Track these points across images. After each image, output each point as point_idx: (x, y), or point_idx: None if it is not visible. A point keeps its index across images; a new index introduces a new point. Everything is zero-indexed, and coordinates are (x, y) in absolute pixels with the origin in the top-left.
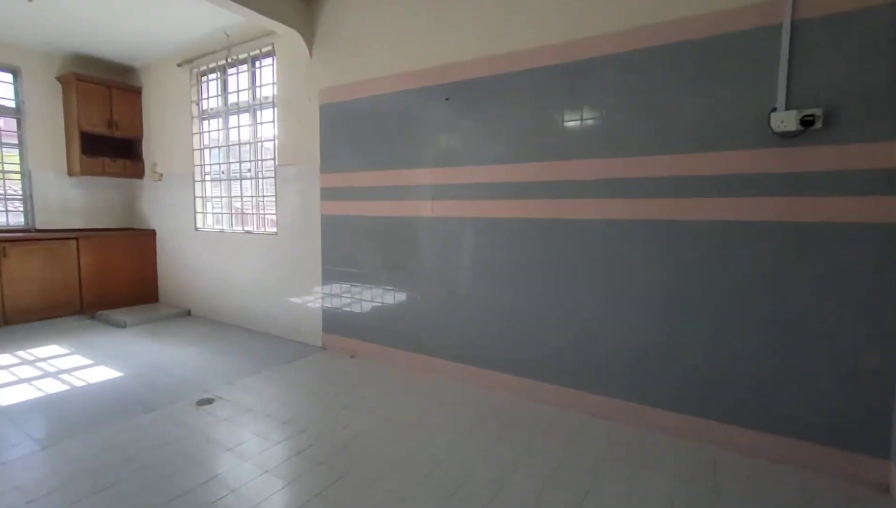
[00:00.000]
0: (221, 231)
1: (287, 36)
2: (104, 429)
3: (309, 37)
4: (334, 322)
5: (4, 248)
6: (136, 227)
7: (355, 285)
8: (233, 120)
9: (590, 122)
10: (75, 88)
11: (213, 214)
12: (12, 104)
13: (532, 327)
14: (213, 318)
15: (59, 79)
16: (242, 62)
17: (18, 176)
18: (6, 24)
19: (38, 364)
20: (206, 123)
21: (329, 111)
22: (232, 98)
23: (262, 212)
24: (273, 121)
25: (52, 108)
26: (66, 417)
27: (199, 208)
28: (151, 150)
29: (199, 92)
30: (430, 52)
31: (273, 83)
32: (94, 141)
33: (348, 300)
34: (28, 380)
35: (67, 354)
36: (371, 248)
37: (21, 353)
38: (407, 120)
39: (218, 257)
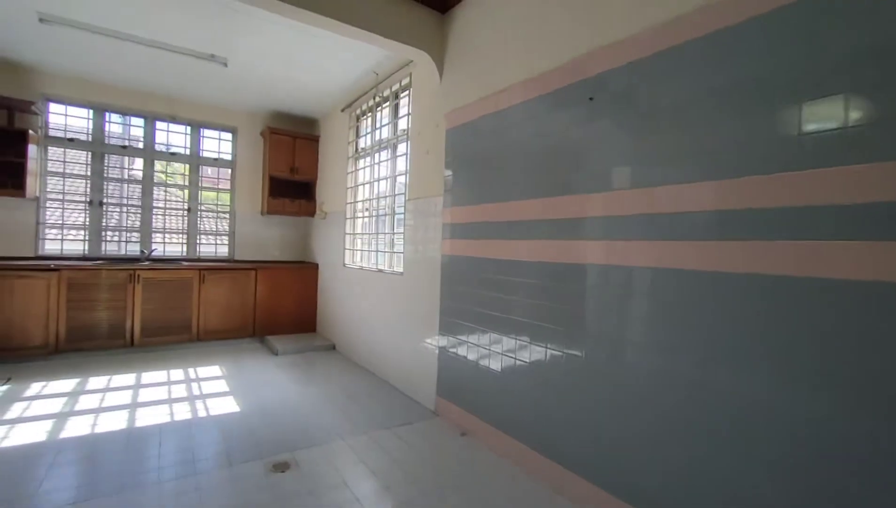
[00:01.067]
0: (361, 268)
1: (422, 63)
2: (161, 487)
3: (439, 59)
4: (449, 385)
5: (203, 275)
6: (306, 260)
7: (475, 344)
8: (378, 157)
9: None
10: (269, 140)
11: (357, 250)
12: (229, 157)
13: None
14: (349, 356)
15: (261, 134)
16: (386, 99)
17: (228, 215)
18: (229, 95)
19: (192, 385)
20: (358, 162)
21: (454, 136)
22: (378, 134)
23: (392, 250)
24: (406, 154)
25: (253, 158)
26: (145, 460)
27: (347, 245)
28: (321, 190)
29: (356, 132)
30: (565, 44)
31: (408, 115)
32: (278, 184)
33: (466, 362)
34: (170, 401)
35: (217, 377)
36: (495, 299)
37: (190, 370)
38: (544, 133)
39: (356, 295)
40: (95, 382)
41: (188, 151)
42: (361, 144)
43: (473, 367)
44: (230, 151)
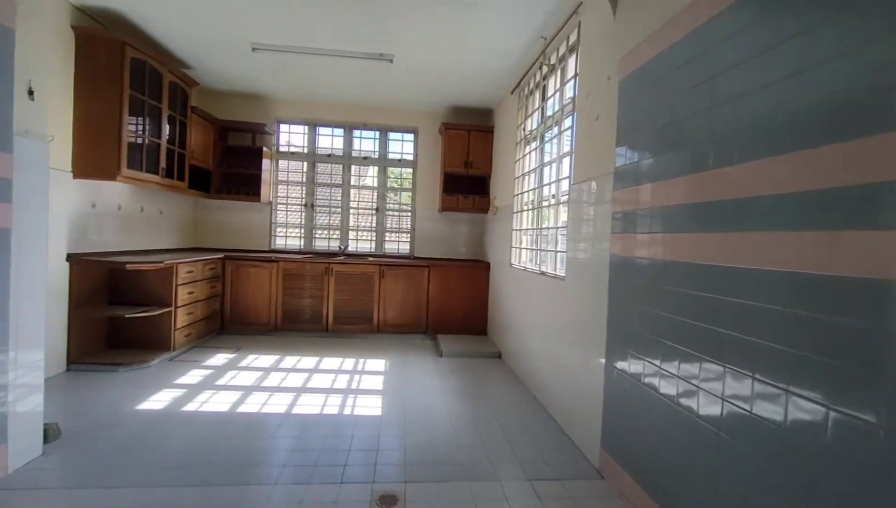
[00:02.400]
0: (525, 269)
1: (592, 4)
2: (272, 490)
3: None
4: (617, 437)
5: (383, 270)
6: (479, 259)
7: (658, 381)
8: (544, 138)
9: None
10: (445, 136)
11: (521, 249)
12: (411, 157)
13: None
14: (513, 368)
15: (438, 131)
16: (553, 69)
17: (409, 213)
18: (407, 96)
19: (354, 377)
20: (525, 147)
21: (631, 85)
22: (544, 111)
23: (556, 249)
24: (571, 127)
25: (432, 156)
26: (274, 453)
27: (513, 242)
28: (494, 184)
29: (524, 113)
30: None
31: (575, 76)
32: (453, 180)
33: (641, 407)
34: (329, 391)
35: (378, 373)
36: (693, 328)
37: (360, 361)
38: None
39: (520, 299)
40: (288, 361)
41: (377, 155)
42: (528, 125)
43: (652, 417)
44: (412, 151)
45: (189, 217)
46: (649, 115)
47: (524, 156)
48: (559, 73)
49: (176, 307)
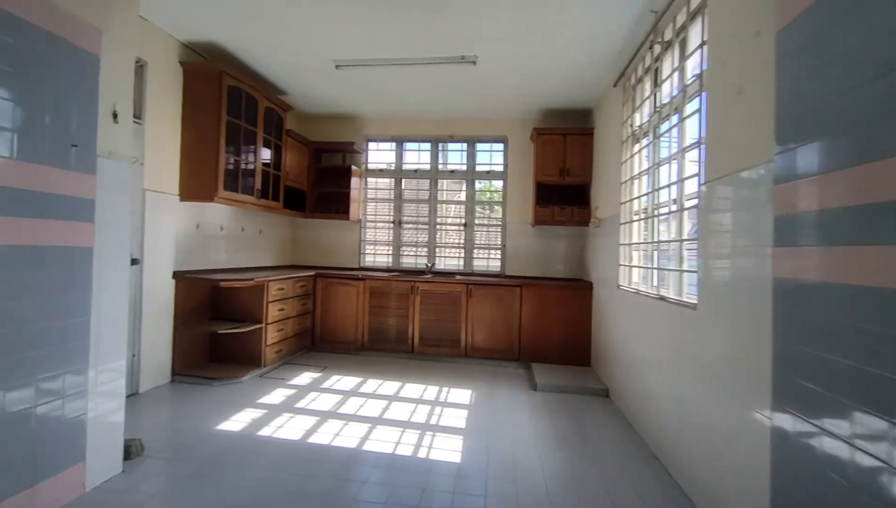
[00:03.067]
0: (637, 292)
1: None
2: None
3: None
4: None
5: (470, 289)
6: (580, 278)
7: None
8: (658, 131)
9: None
10: (537, 143)
11: (632, 267)
12: (501, 168)
13: None
14: (625, 412)
15: (530, 138)
16: (668, 45)
17: (499, 228)
18: (497, 102)
19: (434, 410)
20: (633, 145)
21: (797, 34)
22: (658, 99)
23: (681, 268)
24: (699, 110)
25: (523, 165)
26: (333, 499)
27: (621, 259)
28: (596, 193)
29: (631, 106)
30: None
31: (702, 45)
32: (547, 191)
33: (845, 495)
34: (406, 425)
35: (461, 406)
36: None
37: (443, 390)
38: None
39: (632, 327)
40: (370, 385)
41: (465, 168)
42: (636, 119)
43: None
44: (501, 161)
45: (287, 236)
46: (840, 67)
47: (632, 156)
48: (676, 49)
49: (266, 324)
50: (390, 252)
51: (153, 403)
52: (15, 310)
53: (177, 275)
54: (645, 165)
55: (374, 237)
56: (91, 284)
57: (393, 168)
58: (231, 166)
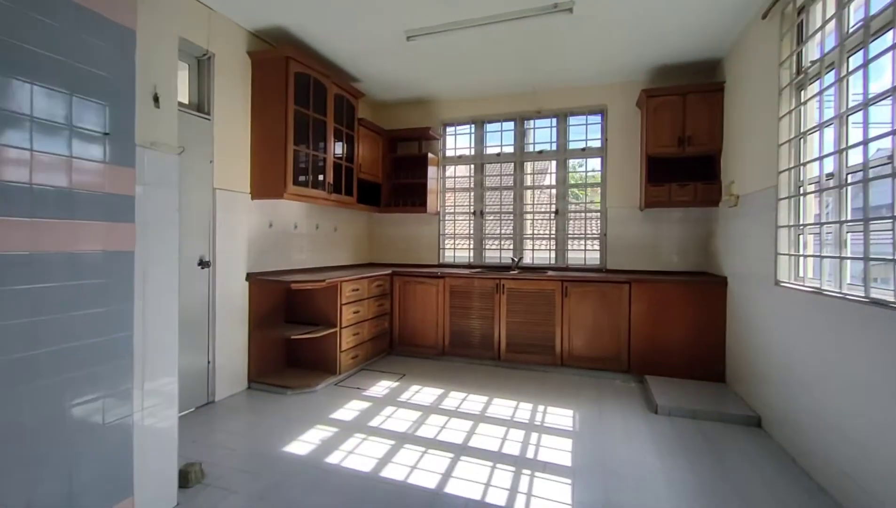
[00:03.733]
0: (817, 291)
1: None
2: None
3: None
4: None
5: (566, 287)
6: (708, 271)
7: None
8: (851, 64)
9: None
10: (646, 108)
11: (806, 256)
12: (598, 144)
13: None
14: (789, 448)
15: (636, 104)
16: None
17: (598, 215)
18: (595, 63)
19: (530, 436)
20: (803, 91)
21: None
22: (850, 15)
23: None
24: None
25: (628, 139)
26: None
27: (781, 246)
28: (728, 164)
29: (794, 39)
30: None
31: None
32: (660, 166)
33: None
34: (497, 456)
35: (564, 432)
36: None
37: (539, 408)
38: None
39: (808, 339)
40: (452, 399)
41: (555, 147)
42: (809, 54)
43: None
44: (599, 136)
45: (363, 232)
46: None
47: (800, 106)
48: None
49: (341, 328)
50: (472, 246)
51: (225, 414)
52: (40, 328)
53: (250, 277)
54: (829, 115)
55: (454, 231)
56: (132, 293)
57: (472, 153)
58: (302, 162)
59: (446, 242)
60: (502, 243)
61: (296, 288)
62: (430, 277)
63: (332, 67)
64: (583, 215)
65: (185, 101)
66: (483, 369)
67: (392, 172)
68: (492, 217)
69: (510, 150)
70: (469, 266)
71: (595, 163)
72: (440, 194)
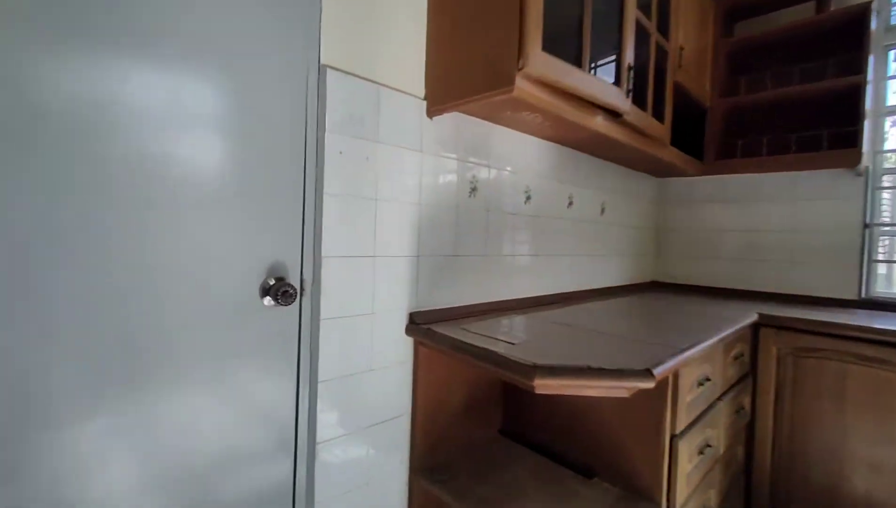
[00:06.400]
0: None
1: None
2: None
3: None
4: None
5: None
6: None
7: None
8: None
9: None
10: None
11: None
12: None
13: None
14: None
15: None
16: None
17: None
18: None
19: None
20: None
21: None
22: None
23: None
24: None
25: None
26: None
27: None
28: None
29: None
30: None
31: None
32: None
33: None
34: None
35: None
36: None
37: None
38: None
39: None
40: None
41: None
42: None
43: None
44: None
45: (648, 218)
46: None
47: None
48: None
49: (672, 503)
50: None
51: None
52: None
53: (416, 324)
54: None
55: None
56: None
57: None
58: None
59: (884, 241)
60: None
61: (542, 391)
62: (879, 342)
63: None
64: None
65: None
66: None
67: (731, 81)
68: None
69: None
70: None
71: None
72: (877, 124)
